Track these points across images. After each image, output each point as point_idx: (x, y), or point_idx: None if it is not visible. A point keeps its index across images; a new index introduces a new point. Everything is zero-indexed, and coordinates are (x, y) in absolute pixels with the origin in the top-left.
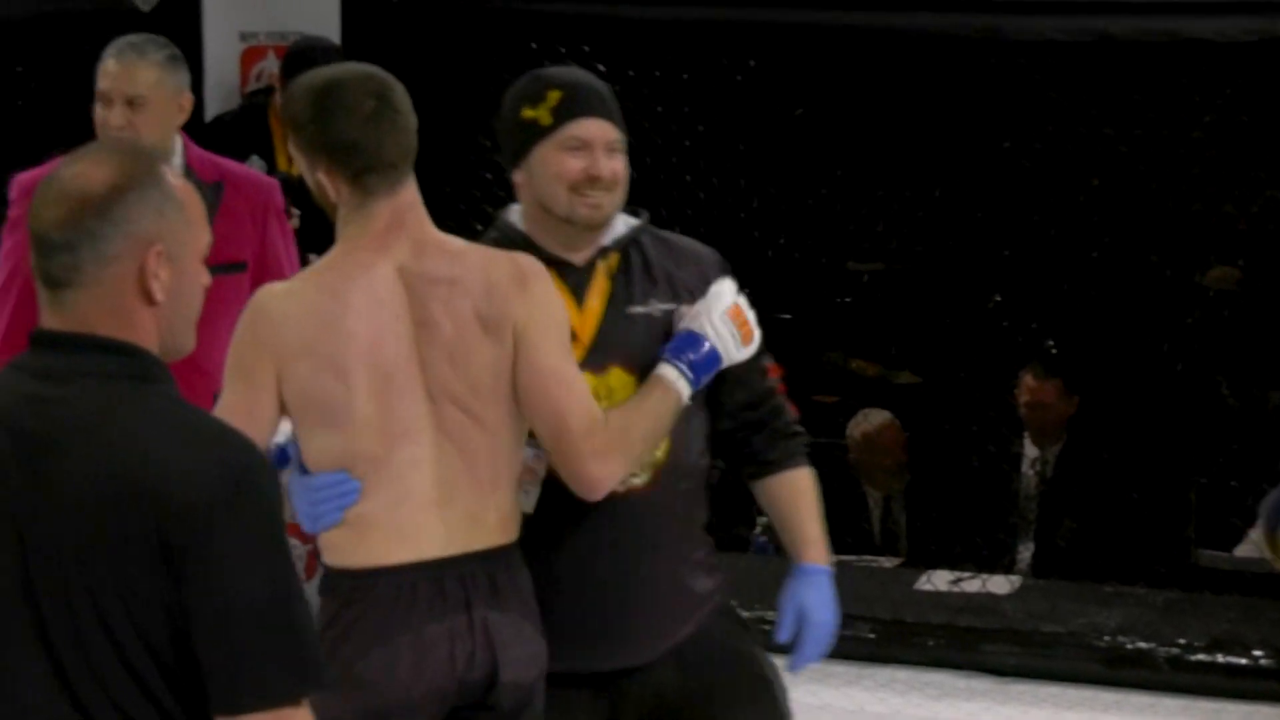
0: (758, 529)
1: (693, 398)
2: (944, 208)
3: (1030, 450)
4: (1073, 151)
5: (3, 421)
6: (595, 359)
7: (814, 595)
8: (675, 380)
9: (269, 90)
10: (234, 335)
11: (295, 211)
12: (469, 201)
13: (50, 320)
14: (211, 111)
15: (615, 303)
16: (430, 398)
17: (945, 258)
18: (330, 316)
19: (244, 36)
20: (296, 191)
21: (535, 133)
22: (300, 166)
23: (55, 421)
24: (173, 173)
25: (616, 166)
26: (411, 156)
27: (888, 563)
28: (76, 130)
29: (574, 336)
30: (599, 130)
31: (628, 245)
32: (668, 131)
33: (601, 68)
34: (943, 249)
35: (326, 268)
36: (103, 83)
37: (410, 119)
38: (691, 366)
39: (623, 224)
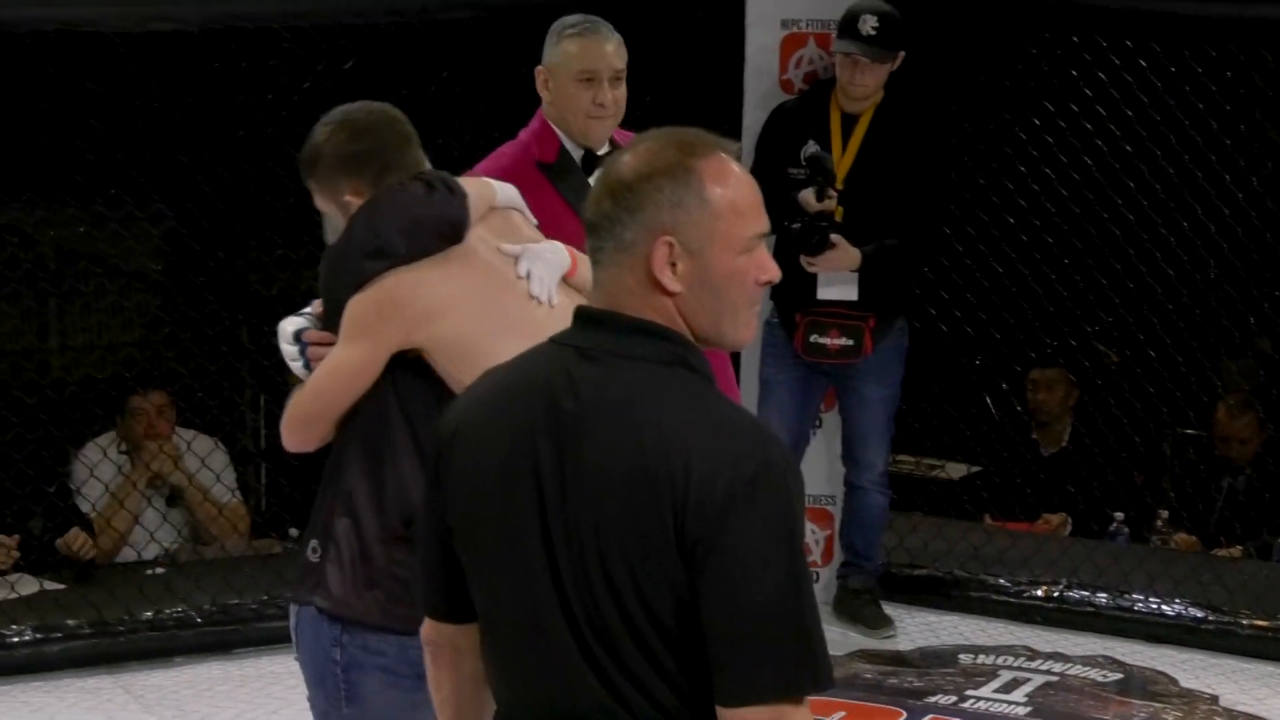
0: (1113, 524)
1: None
2: None
3: None
4: None
5: (542, 393)
6: None
7: None
8: None
9: (832, 81)
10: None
11: (832, 192)
12: (1002, 194)
13: (591, 298)
14: (750, 98)
15: None
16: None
17: None
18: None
19: (785, 24)
20: (832, 174)
21: None
22: (326, 205)
23: (587, 399)
24: (728, 164)
25: None
26: (422, 166)
27: None
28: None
29: None
30: None
31: None
32: (1207, 130)
33: (1142, 63)
34: None
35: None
36: (590, 62)
37: (412, 131)
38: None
39: None
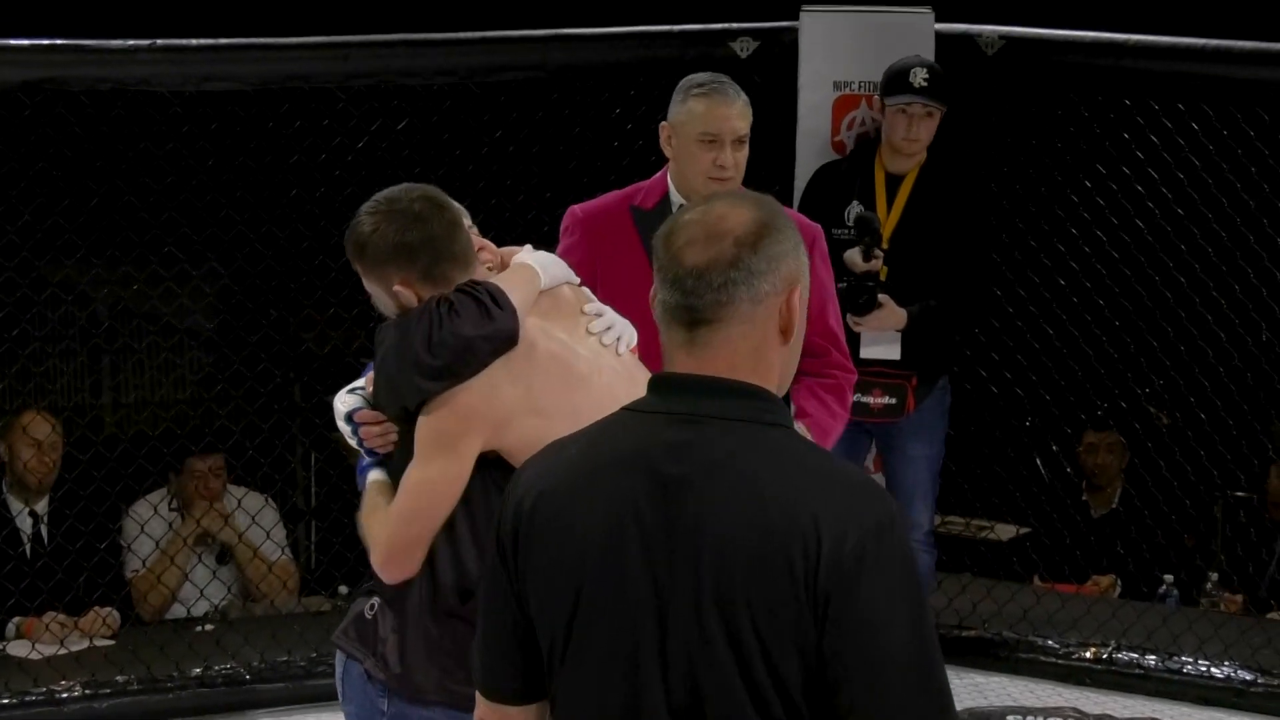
0: (1163, 586)
1: None
2: None
3: None
4: None
5: (641, 464)
6: None
7: None
8: None
9: (876, 142)
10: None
11: (879, 252)
12: (1054, 256)
13: (683, 362)
14: (802, 158)
15: None
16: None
17: None
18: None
19: (838, 85)
20: (879, 234)
21: None
22: (377, 294)
23: (694, 464)
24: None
25: None
26: (471, 249)
27: None
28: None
29: None
30: None
31: None
32: (1260, 193)
33: (1195, 126)
34: None
35: None
36: (713, 124)
37: (459, 213)
38: None
39: None
